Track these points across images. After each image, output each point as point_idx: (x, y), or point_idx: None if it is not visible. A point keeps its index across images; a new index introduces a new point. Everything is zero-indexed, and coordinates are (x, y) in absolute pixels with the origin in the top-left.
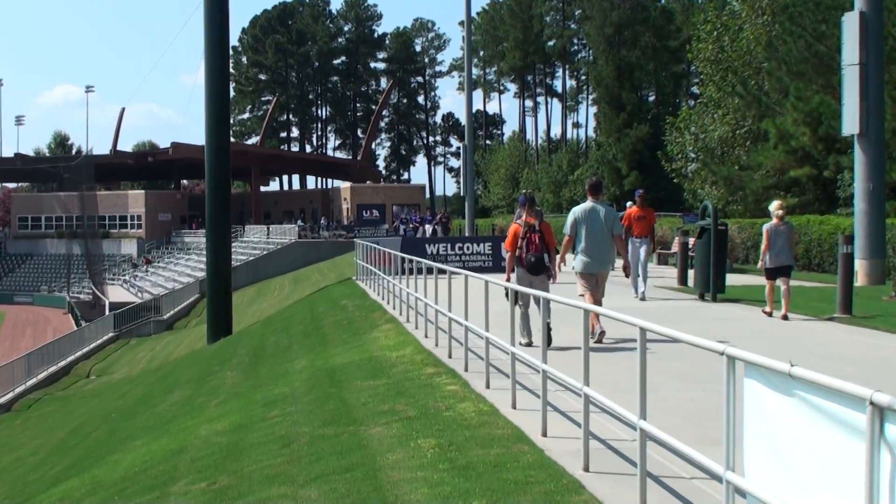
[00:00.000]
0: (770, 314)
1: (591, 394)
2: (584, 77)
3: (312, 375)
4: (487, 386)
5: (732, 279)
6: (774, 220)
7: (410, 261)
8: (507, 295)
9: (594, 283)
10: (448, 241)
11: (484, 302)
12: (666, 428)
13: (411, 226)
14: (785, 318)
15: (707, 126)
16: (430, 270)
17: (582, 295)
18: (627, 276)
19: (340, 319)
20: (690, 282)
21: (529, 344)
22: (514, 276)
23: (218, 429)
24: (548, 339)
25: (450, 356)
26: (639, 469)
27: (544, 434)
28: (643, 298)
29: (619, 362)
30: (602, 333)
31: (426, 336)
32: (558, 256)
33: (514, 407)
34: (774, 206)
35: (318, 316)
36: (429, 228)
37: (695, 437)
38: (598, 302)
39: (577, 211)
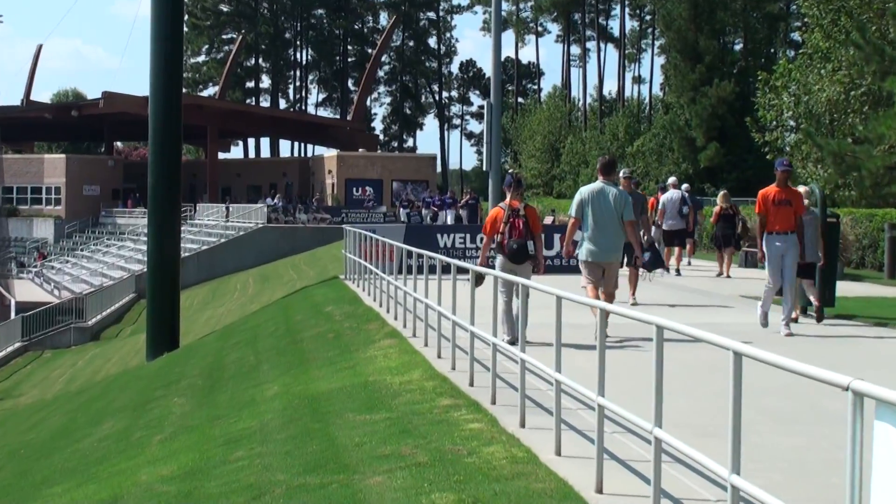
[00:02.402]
0: (796, 320)
1: (664, 437)
2: (649, 17)
3: (288, 405)
4: (522, 424)
5: (844, 288)
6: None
7: (419, 256)
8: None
9: (599, 274)
10: (466, 231)
11: (520, 314)
12: (766, 485)
13: (432, 208)
14: (795, 320)
15: (812, 85)
16: (445, 269)
17: (584, 287)
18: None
19: (325, 331)
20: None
21: (513, 342)
22: (498, 263)
23: (164, 474)
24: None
25: (471, 383)
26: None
27: (599, 490)
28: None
29: (684, 387)
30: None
31: (439, 356)
32: (564, 243)
33: (558, 452)
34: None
35: (295, 326)
36: (450, 214)
37: (804, 499)
38: (608, 296)
39: (584, 191)
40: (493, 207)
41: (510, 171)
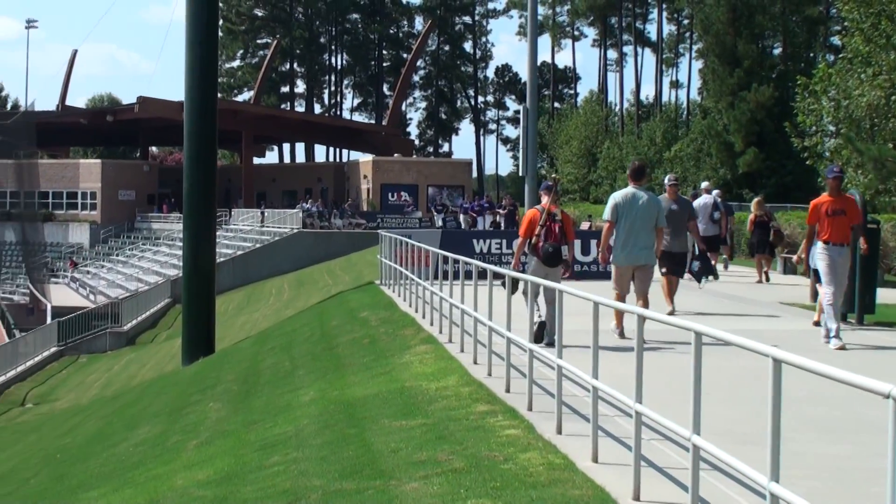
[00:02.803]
0: (819, 323)
1: (702, 444)
2: (686, 21)
3: (324, 410)
4: (559, 431)
5: (885, 295)
6: None
7: (455, 261)
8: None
9: (629, 278)
10: (502, 237)
11: (557, 319)
12: (805, 494)
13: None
14: (816, 324)
15: (852, 90)
16: (481, 275)
17: (613, 290)
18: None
19: (360, 337)
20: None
21: (538, 334)
22: (532, 266)
23: (199, 478)
24: (540, 336)
25: (508, 389)
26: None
27: (637, 497)
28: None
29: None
30: (622, 333)
31: (475, 362)
32: (599, 247)
33: (595, 459)
34: None
35: (331, 332)
36: (488, 219)
37: None
38: (643, 297)
39: (617, 196)
40: (529, 210)
41: (551, 176)
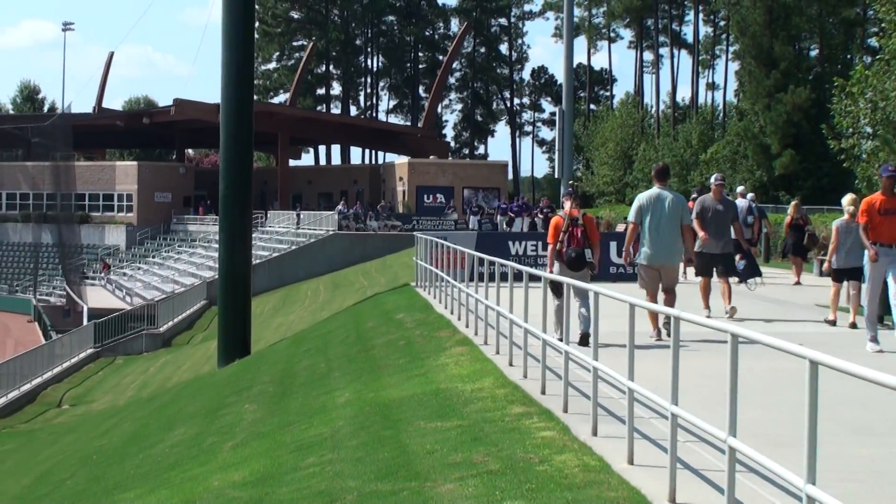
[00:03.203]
0: (834, 322)
1: (738, 446)
2: (723, 22)
3: (359, 412)
4: (595, 432)
5: None
6: (846, 217)
7: (491, 263)
8: (551, 289)
9: (656, 277)
10: (538, 239)
11: (592, 319)
12: (842, 496)
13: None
14: (853, 326)
15: (889, 91)
16: (517, 277)
17: (642, 288)
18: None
19: (396, 339)
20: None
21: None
22: (556, 270)
23: (235, 479)
24: (585, 341)
25: (543, 391)
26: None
27: (672, 500)
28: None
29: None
30: (659, 334)
31: (511, 364)
32: (624, 249)
33: (631, 461)
34: (846, 200)
35: (366, 333)
36: (526, 221)
37: None
38: (669, 292)
39: (642, 197)
40: (553, 217)
41: (571, 183)
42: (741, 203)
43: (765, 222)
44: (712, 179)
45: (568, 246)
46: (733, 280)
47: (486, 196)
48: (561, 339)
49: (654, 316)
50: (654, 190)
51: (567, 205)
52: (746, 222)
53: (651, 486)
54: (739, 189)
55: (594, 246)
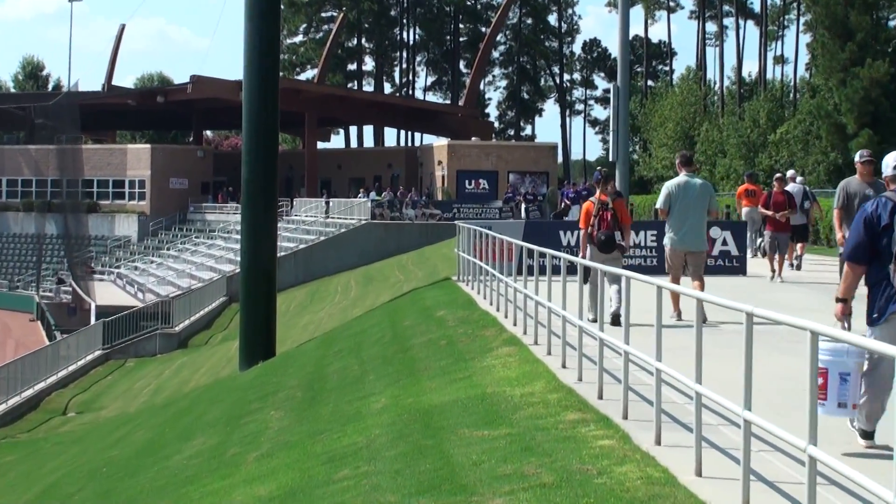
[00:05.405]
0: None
1: (819, 456)
2: None
3: (398, 419)
4: (658, 441)
5: None
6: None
7: (541, 255)
8: (584, 278)
9: (681, 262)
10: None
11: (655, 317)
12: None
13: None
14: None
15: None
16: (570, 269)
17: (667, 274)
18: None
19: (436, 338)
20: None
21: (595, 320)
22: (588, 253)
23: (261, 494)
24: (616, 321)
25: (600, 396)
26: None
27: None
28: None
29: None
30: (679, 315)
31: (563, 366)
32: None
33: (699, 473)
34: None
35: (404, 333)
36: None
37: None
38: (700, 283)
39: (670, 185)
40: (585, 203)
41: (599, 168)
42: (795, 188)
43: (815, 207)
44: (857, 157)
45: (598, 229)
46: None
47: (533, 181)
48: (595, 321)
49: (676, 297)
50: (682, 177)
51: (598, 189)
52: (803, 207)
53: (722, 499)
54: (790, 173)
55: (625, 229)
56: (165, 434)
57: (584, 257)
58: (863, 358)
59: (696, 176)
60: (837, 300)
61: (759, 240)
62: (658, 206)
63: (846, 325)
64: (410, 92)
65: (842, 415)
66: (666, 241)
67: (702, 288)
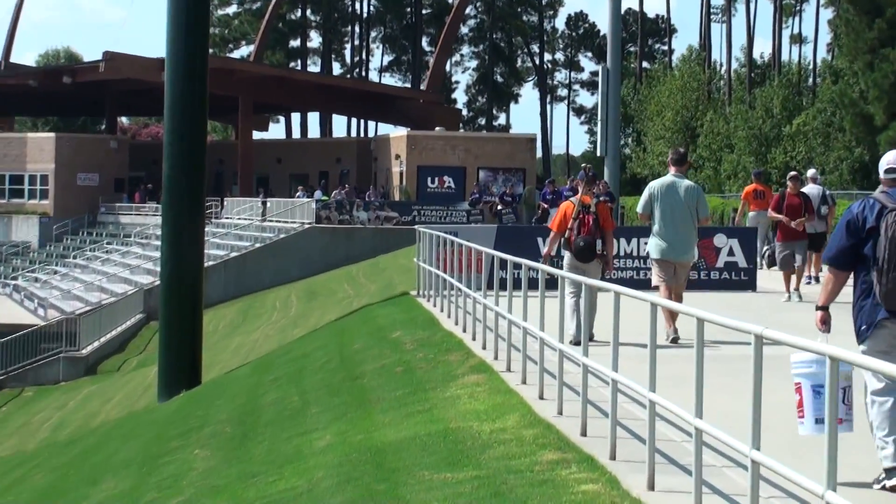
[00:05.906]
0: None
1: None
2: None
3: (345, 459)
4: (651, 486)
5: None
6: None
7: (516, 266)
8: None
9: (671, 272)
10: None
11: (648, 338)
12: None
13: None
14: None
15: None
16: (549, 283)
17: (657, 287)
18: None
19: (391, 364)
20: None
21: (577, 342)
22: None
23: None
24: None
25: (583, 433)
26: None
27: None
28: None
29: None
30: (675, 339)
31: (541, 396)
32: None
33: None
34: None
35: (353, 357)
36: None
37: None
38: (678, 297)
39: (653, 186)
40: (563, 203)
41: (584, 165)
42: (813, 190)
43: (834, 212)
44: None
45: (577, 234)
46: None
47: (506, 179)
48: (578, 343)
49: (669, 313)
50: (668, 177)
51: (580, 190)
52: (820, 213)
53: None
54: (811, 172)
55: (608, 236)
56: (69, 477)
57: (544, 261)
58: (847, 369)
59: (685, 177)
60: (817, 308)
61: (765, 248)
62: (639, 209)
63: (826, 336)
64: (364, 73)
65: (822, 432)
66: (651, 249)
67: (679, 300)
